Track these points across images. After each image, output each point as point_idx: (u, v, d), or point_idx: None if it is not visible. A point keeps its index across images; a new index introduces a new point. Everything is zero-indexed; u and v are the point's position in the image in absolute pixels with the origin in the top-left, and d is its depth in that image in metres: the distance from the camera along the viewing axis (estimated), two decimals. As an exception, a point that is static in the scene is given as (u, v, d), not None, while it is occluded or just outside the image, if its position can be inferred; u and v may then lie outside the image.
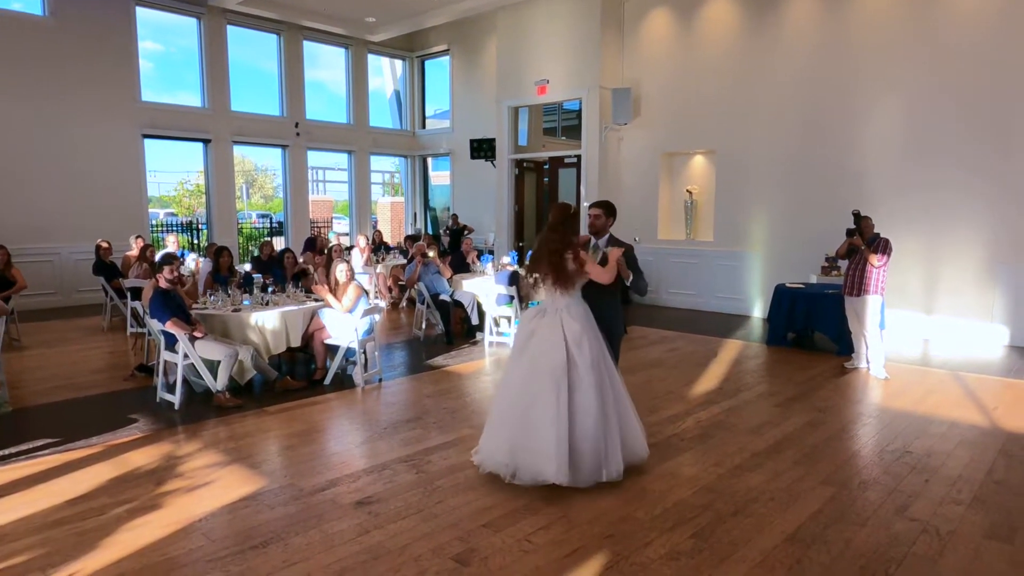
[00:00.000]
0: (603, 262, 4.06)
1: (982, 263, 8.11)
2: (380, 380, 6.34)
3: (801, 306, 7.74)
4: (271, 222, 17.47)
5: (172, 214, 20.76)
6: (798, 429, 4.99)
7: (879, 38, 8.71)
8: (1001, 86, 7.87)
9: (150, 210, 14.62)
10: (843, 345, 7.33)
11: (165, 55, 19.19)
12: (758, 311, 9.96)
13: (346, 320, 6.08)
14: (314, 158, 14.78)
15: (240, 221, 16.94)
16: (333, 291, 6.23)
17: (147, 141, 11.65)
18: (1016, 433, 4.89)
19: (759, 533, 3.37)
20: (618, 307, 4.41)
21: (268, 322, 5.96)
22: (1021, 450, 4.55)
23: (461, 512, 3.59)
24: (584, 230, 4.54)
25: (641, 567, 3.05)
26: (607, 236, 4.42)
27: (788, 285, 8.09)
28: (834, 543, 3.28)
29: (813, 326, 7.77)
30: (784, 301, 7.90)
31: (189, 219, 15.24)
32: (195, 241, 13.99)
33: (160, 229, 13.99)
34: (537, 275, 3.98)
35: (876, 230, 6.61)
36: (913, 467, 4.26)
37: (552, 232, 3.92)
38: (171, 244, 10.18)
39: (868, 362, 6.69)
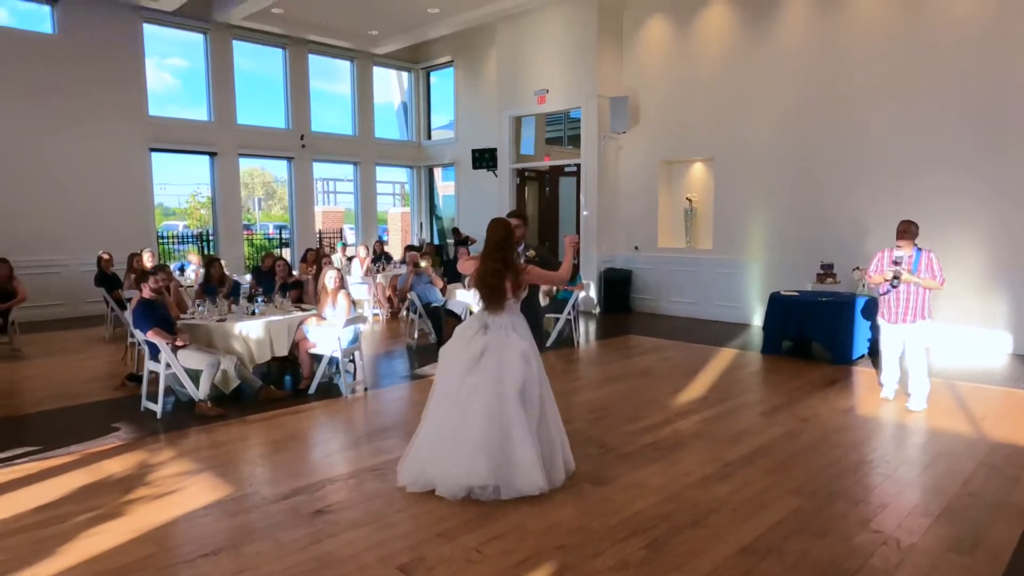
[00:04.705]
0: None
1: (984, 268, 7.93)
2: (366, 389, 6.37)
3: (795, 314, 7.64)
4: (285, 233, 17.67)
5: (185, 226, 21.11)
6: (777, 438, 4.91)
7: (873, 45, 8.61)
8: (993, 90, 7.74)
9: (168, 222, 14.81)
10: (837, 353, 7.22)
11: (173, 70, 19.59)
12: (757, 319, 9.83)
13: (329, 330, 6.13)
14: (323, 170, 14.92)
15: (254, 232, 17.15)
16: (319, 299, 6.29)
17: (155, 155, 11.89)
18: (1000, 443, 4.77)
19: (713, 544, 3.32)
20: (540, 310, 4.88)
21: (252, 332, 6.03)
22: (1003, 461, 4.43)
23: (419, 521, 3.59)
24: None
25: (587, 578, 3.02)
26: (523, 244, 4.63)
27: (783, 293, 7.99)
28: (789, 554, 3.22)
29: (807, 334, 7.65)
30: (778, 309, 7.80)
31: (200, 231, 15.49)
32: (206, 252, 14.23)
33: (174, 241, 14.29)
34: (481, 294, 4.04)
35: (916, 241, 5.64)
36: (888, 477, 4.17)
37: (496, 251, 4.00)
38: (194, 259, 10.34)
39: (906, 393, 5.75)
